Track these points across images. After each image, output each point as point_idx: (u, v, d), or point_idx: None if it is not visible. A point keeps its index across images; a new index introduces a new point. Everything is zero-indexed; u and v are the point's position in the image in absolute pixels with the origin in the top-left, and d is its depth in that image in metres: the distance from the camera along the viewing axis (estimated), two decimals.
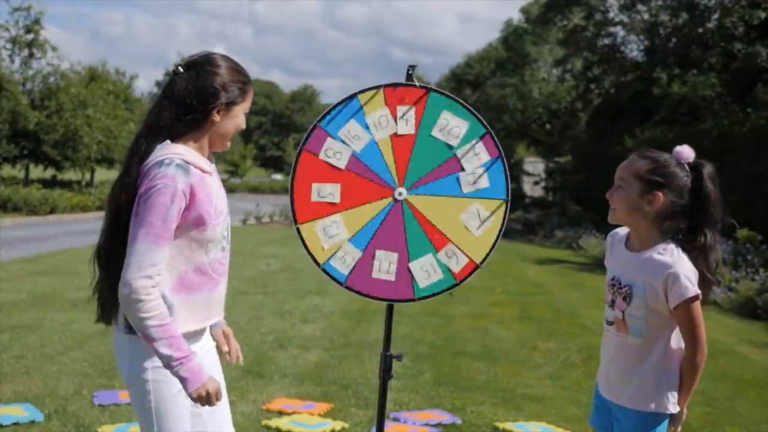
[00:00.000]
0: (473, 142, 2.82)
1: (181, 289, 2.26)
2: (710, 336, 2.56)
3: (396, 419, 4.74)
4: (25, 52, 29.60)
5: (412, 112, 2.83)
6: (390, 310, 2.92)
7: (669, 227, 2.48)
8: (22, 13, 29.08)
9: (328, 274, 2.86)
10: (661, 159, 2.46)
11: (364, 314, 8.29)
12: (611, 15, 25.49)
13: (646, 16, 24.14)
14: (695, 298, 2.39)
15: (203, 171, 2.27)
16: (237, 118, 2.33)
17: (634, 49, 25.62)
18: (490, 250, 2.84)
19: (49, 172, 32.64)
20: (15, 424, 4.32)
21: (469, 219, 2.82)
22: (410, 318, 8.09)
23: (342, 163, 2.83)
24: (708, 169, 2.49)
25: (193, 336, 2.34)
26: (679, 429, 2.51)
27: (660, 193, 2.43)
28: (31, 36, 29.31)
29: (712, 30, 19.61)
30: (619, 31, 25.59)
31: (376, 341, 6.86)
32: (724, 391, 5.73)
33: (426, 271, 2.83)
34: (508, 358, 6.58)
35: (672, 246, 2.44)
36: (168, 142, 2.26)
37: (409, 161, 2.84)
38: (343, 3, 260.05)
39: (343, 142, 2.83)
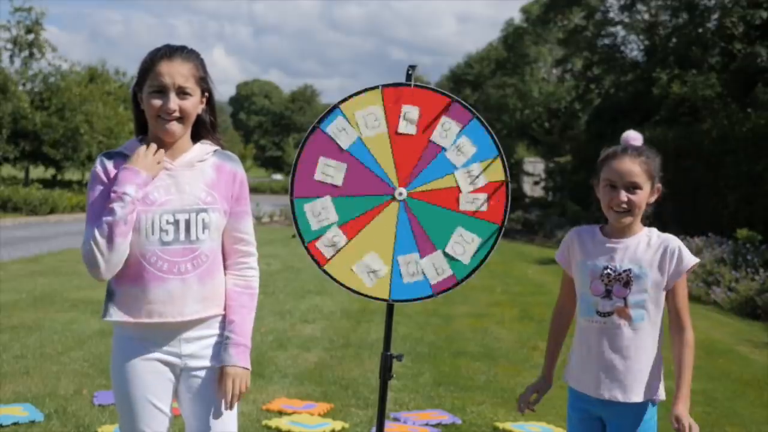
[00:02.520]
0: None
1: (122, 275, 2.32)
2: (710, 336, 2.57)
3: (396, 419, 4.74)
4: (26, 52, 29.61)
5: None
6: (390, 310, 2.91)
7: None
8: (23, 14, 29.10)
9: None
10: (653, 152, 2.54)
11: (364, 314, 8.29)
12: (611, 15, 25.51)
13: (646, 16, 24.15)
14: (695, 265, 2.49)
15: None
16: (145, 101, 2.35)
17: (634, 49, 25.64)
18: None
19: (50, 172, 32.66)
20: (15, 424, 4.32)
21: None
22: (410, 318, 8.09)
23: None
24: None
25: (149, 332, 2.34)
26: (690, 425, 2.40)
27: (659, 184, 2.53)
28: (31, 36, 29.32)
29: (712, 30, 19.60)
30: (619, 31, 25.61)
31: (376, 341, 6.85)
32: (724, 391, 5.73)
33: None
34: (508, 358, 6.58)
35: (653, 228, 2.56)
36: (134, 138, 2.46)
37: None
38: (341, 3, 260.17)
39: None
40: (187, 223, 2.32)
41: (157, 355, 2.35)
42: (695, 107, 18.42)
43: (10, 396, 4.89)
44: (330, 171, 2.84)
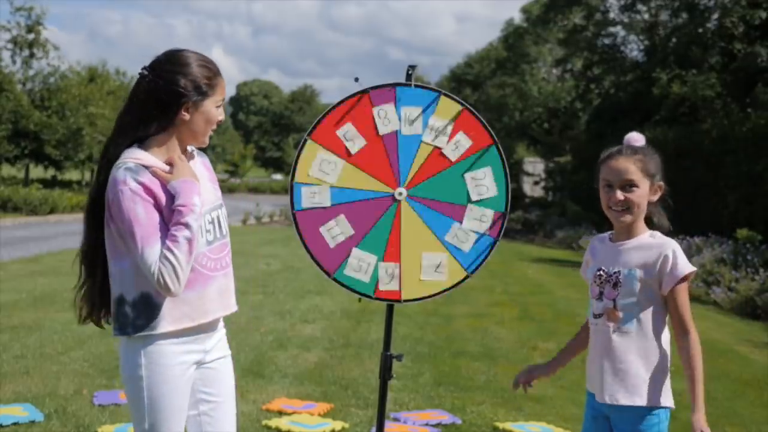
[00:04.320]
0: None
1: None
2: (710, 336, 2.57)
3: (396, 419, 4.74)
4: (26, 52, 29.63)
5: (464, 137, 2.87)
6: (390, 310, 2.92)
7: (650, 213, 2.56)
8: (23, 14, 29.12)
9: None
10: (650, 150, 2.52)
11: (364, 314, 8.29)
12: (611, 15, 25.52)
13: (646, 16, 24.16)
14: (691, 273, 2.44)
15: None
16: (208, 113, 2.32)
17: (634, 49, 25.65)
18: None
19: (50, 172, 32.69)
20: (15, 424, 4.32)
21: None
22: (410, 318, 8.09)
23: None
24: None
25: (193, 335, 2.33)
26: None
27: (662, 182, 2.51)
28: (32, 36, 29.34)
29: (712, 30, 19.62)
30: (619, 31, 25.62)
31: (376, 341, 6.85)
32: (724, 391, 5.73)
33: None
34: (508, 358, 6.58)
35: (656, 231, 2.52)
36: (135, 146, 2.30)
37: (429, 178, 2.87)
38: (339, 3, 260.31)
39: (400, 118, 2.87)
40: (218, 219, 2.40)
41: (193, 356, 2.34)
42: (695, 107, 18.44)
43: (10, 396, 4.89)
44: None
